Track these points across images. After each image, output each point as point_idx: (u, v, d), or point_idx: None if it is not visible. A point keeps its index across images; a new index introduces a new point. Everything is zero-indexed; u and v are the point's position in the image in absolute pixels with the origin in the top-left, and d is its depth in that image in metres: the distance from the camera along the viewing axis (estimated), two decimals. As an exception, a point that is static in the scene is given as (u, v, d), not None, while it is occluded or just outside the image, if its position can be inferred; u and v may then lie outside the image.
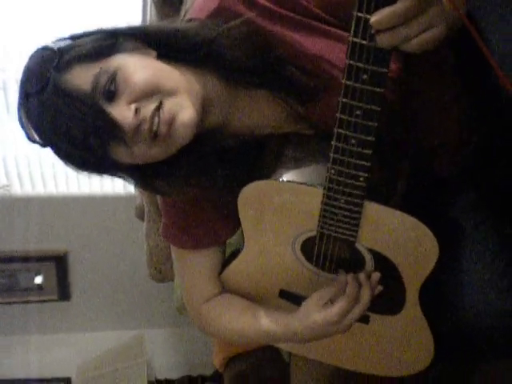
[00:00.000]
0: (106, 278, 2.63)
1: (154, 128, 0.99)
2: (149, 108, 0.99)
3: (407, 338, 1.26)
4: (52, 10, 2.06)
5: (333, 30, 1.05)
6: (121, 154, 1.01)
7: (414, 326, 1.23)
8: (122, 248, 2.53)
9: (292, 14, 1.05)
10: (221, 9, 1.06)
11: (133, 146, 1.00)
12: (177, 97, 1.01)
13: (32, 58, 1.05)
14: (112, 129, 0.98)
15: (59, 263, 2.55)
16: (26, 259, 2.54)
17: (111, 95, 0.99)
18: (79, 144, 0.99)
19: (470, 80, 1.15)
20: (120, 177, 1.13)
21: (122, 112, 0.98)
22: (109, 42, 1.03)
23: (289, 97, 1.10)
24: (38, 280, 2.59)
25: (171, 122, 1.00)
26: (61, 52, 1.02)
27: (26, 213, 2.40)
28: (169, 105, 1.00)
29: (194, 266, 1.30)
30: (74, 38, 1.05)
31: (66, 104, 0.97)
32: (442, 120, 1.18)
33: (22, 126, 1.05)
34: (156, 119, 0.99)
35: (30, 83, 1.01)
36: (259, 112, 1.13)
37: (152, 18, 1.85)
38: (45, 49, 1.04)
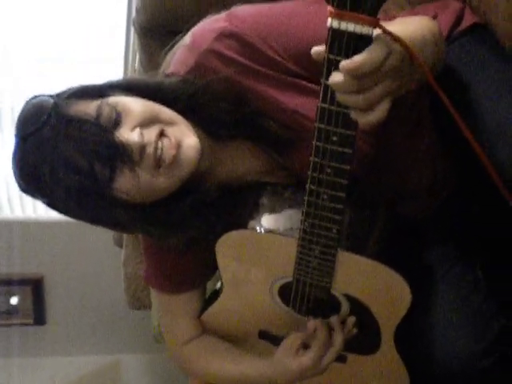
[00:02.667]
0: (82, 303, 2.61)
1: (159, 152, 1.00)
2: (152, 133, 1.00)
3: (384, 377, 1.28)
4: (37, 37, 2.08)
5: (308, 85, 1.07)
6: (125, 182, 1.00)
7: (390, 365, 1.25)
8: (100, 274, 2.51)
9: (268, 71, 1.07)
10: (198, 65, 1.08)
11: (139, 173, 0.99)
12: (177, 126, 1.03)
13: (27, 104, 1.05)
14: (119, 151, 0.97)
15: (35, 287, 2.53)
16: (1, 282, 2.51)
17: (114, 123, 0.99)
18: (84, 171, 0.98)
19: (444, 132, 1.18)
20: (110, 220, 1.11)
21: (128, 134, 0.98)
22: (101, 88, 1.06)
23: (266, 148, 1.13)
24: (14, 303, 2.57)
25: (177, 146, 1.00)
26: (57, 94, 1.04)
27: (4, 236, 2.37)
28: (172, 132, 1.01)
29: (175, 309, 1.32)
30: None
31: (71, 129, 0.98)
32: (416, 169, 1.21)
33: (17, 176, 1.05)
34: (160, 144, 1.00)
35: (28, 123, 1.00)
36: (240, 161, 1.16)
37: (134, 48, 1.87)
38: (38, 96, 1.05)
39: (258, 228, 1.12)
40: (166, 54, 1.21)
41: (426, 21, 1.07)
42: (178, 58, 1.12)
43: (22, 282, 2.52)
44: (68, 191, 1.00)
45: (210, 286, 1.39)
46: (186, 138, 1.02)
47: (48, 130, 0.98)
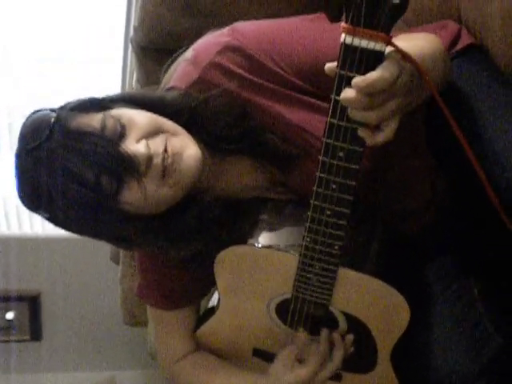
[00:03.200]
0: (78, 320, 2.61)
1: (165, 162, 0.99)
2: (158, 143, 0.99)
3: (379, 396, 1.28)
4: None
5: (312, 100, 1.07)
6: (132, 194, 0.99)
7: (386, 384, 1.25)
8: (96, 291, 2.51)
9: (272, 85, 1.07)
10: (201, 79, 1.07)
11: (145, 184, 0.99)
12: (179, 137, 1.03)
13: (28, 119, 1.04)
14: (126, 163, 0.97)
15: (32, 303, 2.53)
16: (-2, 298, 2.54)
17: (119, 135, 0.98)
18: (90, 184, 0.96)
19: (441, 151, 1.19)
20: (115, 233, 1.10)
21: (134, 146, 0.98)
22: (104, 101, 1.05)
23: (268, 163, 1.13)
24: (10, 319, 2.56)
25: (180, 156, 1.00)
26: (58, 108, 1.03)
27: (0, 252, 2.37)
28: (175, 142, 1.01)
29: (169, 325, 1.30)
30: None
31: (76, 142, 0.97)
32: (415, 186, 1.22)
33: (21, 192, 1.04)
34: (166, 155, 0.99)
35: (31, 137, 0.99)
36: (240, 177, 1.15)
37: (132, 66, 1.87)
38: (39, 110, 1.04)
39: (257, 244, 1.12)
40: (165, 70, 1.21)
41: (432, 37, 1.08)
42: (179, 73, 1.12)
43: (19, 297, 2.53)
44: (73, 204, 0.99)
45: (203, 304, 1.38)
46: (187, 148, 1.02)
47: (52, 144, 0.97)
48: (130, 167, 0.97)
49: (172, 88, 1.12)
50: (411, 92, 0.85)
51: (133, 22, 1.68)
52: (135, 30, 1.64)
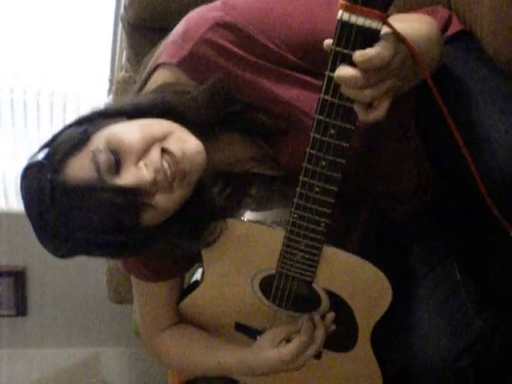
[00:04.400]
0: (64, 296, 2.61)
1: (168, 173, 0.99)
2: (155, 158, 0.99)
3: (357, 375, 1.29)
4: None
5: (305, 77, 1.07)
6: (150, 215, 1.00)
7: (364, 364, 1.27)
8: (82, 267, 2.51)
9: (264, 62, 1.06)
10: (192, 55, 1.06)
11: (157, 201, 1.00)
12: (173, 136, 1.02)
13: (23, 179, 1.03)
14: (135, 195, 0.97)
15: (17, 279, 2.54)
16: (-16, 274, 2.53)
17: (117, 167, 0.98)
18: (112, 229, 0.98)
19: (429, 135, 1.21)
20: (149, 248, 1.12)
21: (135, 174, 0.98)
22: (83, 129, 1.03)
23: (257, 138, 1.13)
24: None
25: (183, 156, 1.00)
26: (48, 159, 1.01)
27: (-14, 228, 2.38)
28: (171, 145, 1.00)
29: (153, 296, 1.31)
30: (48, 144, 1.04)
31: (80, 200, 0.96)
32: (400, 171, 1.23)
33: (48, 246, 1.04)
34: (165, 164, 0.99)
35: (36, 203, 0.99)
36: (230, 151, 1.15)
37: (122, 44, 1.87)
38: (30, 166, 1.02)
39: (244, 218, 1.13)
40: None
41: (429, 19, 1.09)
42: (169, 48, 1.10)
43: (5, 273, 2.53)
44: (105, 247, 1.02)
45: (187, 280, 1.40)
46: (186, 144, 1.02)
47: (59, 206, 0.96)
48: (140, 196, 0.98)
49: (162, 64, 1.10)
50: (405, 73, 0.86)
51: (123, 1, 1.68)
52: (125, 9, 1.64)
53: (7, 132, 2.18)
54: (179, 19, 1.14)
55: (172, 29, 1.14)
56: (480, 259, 1.25)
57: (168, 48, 1.10)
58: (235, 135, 1.13)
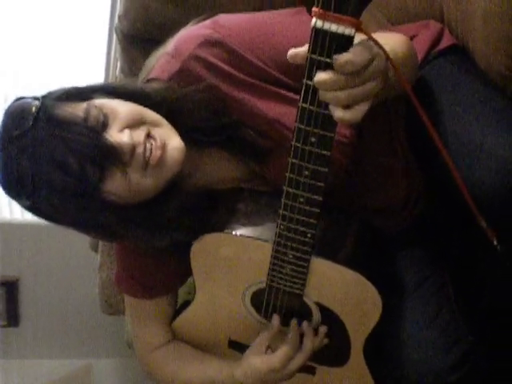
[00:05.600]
0: (56, 307, 2.61)
1: (147, 153, 1.00)
2: (140, 134, 1.00)
3: (352, 389, 1.30)
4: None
5: (291, 94, 1.08)
6: (115, 183, 1.00)
7: (359, 378, 1.26)
8: (75, 278, 2.51)
9: (251, 79, 1.08)
10: (182, 71, 1.08)
11: (129, 173, 1.00)
12: (162, 128, 1.03)
13: (11, 106, 1.04)
14: (109, 152, 0.97)
15: (10, 289, 2.54)
16: (-24, 284, 2.52)
17: (102, 125, 0.99)
18: (75, 172, 0.97)
19: (418, 150, 1.21)
20: (97, 223, 1.10)
21: (117, 136, 0.99)
22: (87, 90, 1.06)
23: (244, 155, 1.14)
24: None
25: (163, 147, 1.01)
26: (42, 96, 1.03)
27: (-21, 238, 2.39)
28: (157, 133, 1.02)
29: (146, 314, 1.31)
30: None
31: (61, 130, 0.97)
32: (390, 186, 1.23)
33: (3, 180, 1.03)
34: (148, 145, 1.00)
35: (15, 126, 0.99)
36: (217, 168, 1.16)
37: (116, 55, 1.89)
38: (23, 97, 1.04)
39: (233, 231, 1.14)
40: None
41: (403, 38, 1.11)
42: (161, 64, 1.12)
43: None
44: (56, 193, 0.99)
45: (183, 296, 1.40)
46: (170, 139, 1.03)
47: (37, 132, 0.97)
48: (114, 156, 0.98)
49: (153, 79, 1.13)
50: (384, 79, 0.86)
51: (118, 11, 1.70)
52: (120, 19, 1.65)
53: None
54: (173, 31, 1.17)
55: (165, 40, 1.16)
56: (470, 272, 1.24)
57: (159, 64, 1.13)
58: (223, 152, 1.14)
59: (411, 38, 1.34)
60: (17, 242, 2.46)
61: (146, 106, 1.06)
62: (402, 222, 1.28)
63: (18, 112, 1.02)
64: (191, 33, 1.12)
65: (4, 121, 1.03)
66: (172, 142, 1.03)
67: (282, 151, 1.07)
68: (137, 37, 1.66)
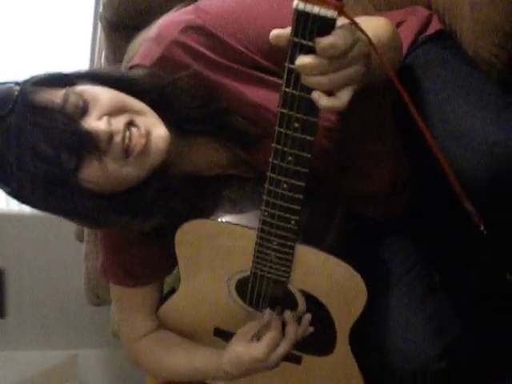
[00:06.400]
0: (42, 298, 2.60)
1: (126, 141, 0.98)
2: (120, 122, 0.99)
3: (338, 378, 1.29)
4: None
5: (274, 79, 1.08)
6: (92, 171, 0.99)
7: (345, 367, 1.26)
8: (60, 269, 2.51)
9: (235, 65, 1.08)
10: (164, 58, 1.08)
11: (106, 162, 0.99)
12: (146, 116, 1.02)
13: None
14: (85, 139, 0.96)
15: None
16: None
17: (81, 111, 0.98)
18: (50, 160, 0.96)
19: (407, 136, 1.21)
20: (76, 210, 1.09)
21: (95, 123, 0.97)
22: (69, 76, 1.05)
23: (232, 143, 1.13)
24: None
25: (147, 135, 1.00)
26: (23, 81, 1.02)
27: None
28: (141, 121, 1.00)
29: (131, 302, 1.31)
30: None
31: (37, 117, 0.96)
32: (376, 172, 1.23)
33: None
34: (127, 133, 0.99)
35: None
36: (204, 155, 1.16)
37: (101, 43, 1.88)
38: (4, 82, 1.03)
39: (218, 218, 1.13)
40: None
41: (384, 20, 1.11)
42: (143, 50, 1.12)
43: None
44: (34, 180, 0.99)
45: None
46: (155, 127, 1.02)
47: (14, 118, 0.97)
48: (90, 144, 0.97)
49: (136, 65, 1.12)
50: (367, 64, 0.86)
51: None
52: (105, 7, 1.65)
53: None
54: (157, 17, 1.15)
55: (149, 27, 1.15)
56: (457, 259, 1.24)
57: (141, 50, 1.12)
58: (210, 140, 1.14)
59: (399, 24, 1.34)
60: (1, 232, 2.44)
61: (130, 93, 1.05)
62: (389, 210, 1.28)
63: None
64: (173, 18, 1.11)
65: None
66: (156, 130, 1.02)
67: (268, 137, 1.07)
68: (121, 24, 1.65)
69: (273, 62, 1.09)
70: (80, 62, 2.08)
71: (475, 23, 1.35)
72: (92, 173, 0.99)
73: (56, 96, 0.99)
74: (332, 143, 1.11)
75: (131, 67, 1.13)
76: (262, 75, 1.09)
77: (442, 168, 0.98)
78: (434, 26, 1.34)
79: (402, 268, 1.25)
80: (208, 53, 1.08)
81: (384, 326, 1.21)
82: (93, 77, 1.07)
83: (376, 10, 1.47)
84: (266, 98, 1.09)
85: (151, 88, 1.07)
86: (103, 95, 1.01)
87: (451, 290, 1.23)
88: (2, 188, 1.05)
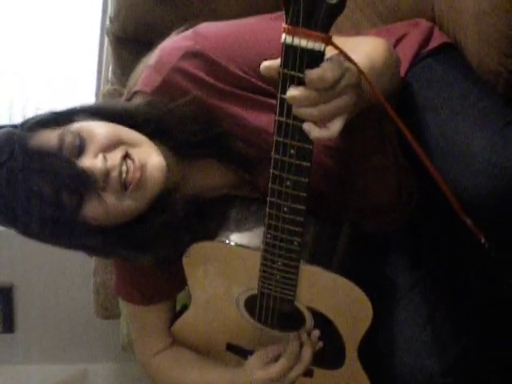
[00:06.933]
0: (51, 312, 2.62)
1: (123, 176, 1.01)
2: (116, 156, 1.01)
3: (351, 391, 1.31)
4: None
5: (273, 102, 1.11)
6: (94, 208, 1.01)
7: (356, 380, 1.28)
8: (69, 283, 2.52)
9: (235, 89, 1.09)
10: (165, 84, 1.09)
11: (105, 198, 1.01)
12: (141, 147, 1.04)
13: None
14: (83, 179, 0.98)
15: (4, 296, 2.55)
16: (-30, 290, 2.53)
17: (78, 150, 1.00)
18: (52, 202, 0.99)
19: (409, 150, 1.21)
20: (84, 245, 1.13)
21: (90, 161, 1.00)
22: (66, 114, 1.07)
23: (235, 166, 1.15)
24: None
25: (143, 168, 1.01)
26: (22, 124, 1.06)
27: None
28: (136, 154, 1.02)
29: (145, 320, 1.33)
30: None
31: (34, 162, 0.99)
32: (380, 185, 1.23)
33: None
34: (124, 167, 1.01)
35: None
36: (207, 177, 1.17)
37: (108, 58, 1.90)
38: (5, 126, 1.06)
39: (225, 240, 1.15)
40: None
41: (380, 42, 1.10)
42: (144, 77, 1.13)
43: None
44: (40, 221, 1.01)
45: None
46: (150, 158, 1.03)
47: (13, 164, 0.99)
48: (88, 183, 0.99)
49: (138, 92, 1.13)
50: (358, 93, 0.87)
51: (109, 13, 1.71)
52: (111, 21, 1.66)
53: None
54: (164, 32, 1.18)
55: (157, 43, 1.17)
56: (461, 272, 1.24)
57: (143, 76, 1.14)
58: (213, 161, 1.15)
59: (402, 37, 1.34)
60: (10, 248, 2.46)
61: (129, 125, 1.07)
62: (393, 224, 1.28)
63: None
64: (173, 45, 1.13)
65: None
66: (151, 160, 1.04)
67: (270, 160, 1.08)
68: (128, 38, 1.67)
69: (273, 85, 1.10)
70: (87, 77, 2.10)
71: (480, 33, 1.34)
72: (93, 209, 1.02)
73: (51, 137, 1.02)
74: (334, 161, 1.12)
75: (134, 93, 1.15)
76: (262, 98, 1.11)
77: (441, 188, 0.98)
78: (437, 39, 1.33)
79: (407, 284, 1.26)
80: (207, 78, 1.09)
81: (391, 341, 1.22)
82: (91, 111, 1.09)
83: (380, 19, 1.47)
84: (267, 121, 1.09)
85: (150, 117, 1.09)
86: (99, 130, 1.03)
87: (455, 302, 1.23)
88: (13, 229, 1.07)
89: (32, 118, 1.07)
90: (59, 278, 2.55)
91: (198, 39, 1.10)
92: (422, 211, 1.26)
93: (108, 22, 1.69)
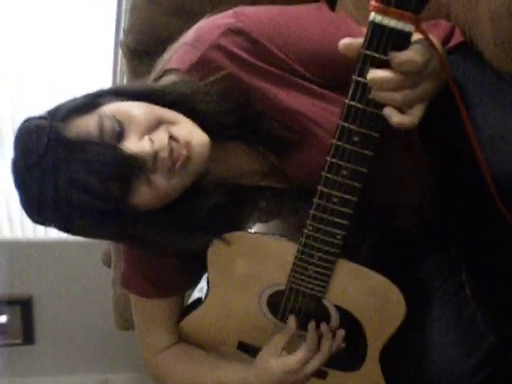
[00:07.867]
0: (71, 323, 2.61)
1: (175, 154, 0.97)
2: (161, 137, 0.97)
3: (364, 396, 1.28)
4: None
5: (314, 87, 1.07)
6: (143, 192, 0.98)
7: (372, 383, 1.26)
8: (88, 294, 2.52)
9: (274, 70, 1.06)
10: (202, 61, 1.05)
11: (155, 180, 0.97)
12: (181, 125, 1.00)
13: (22, 130, 1.00)
14: (132, 164, 0.95)
15: (24, 307, 2.54)
16: (-10, 303, 2.50)
17: (120, 135, 0.96)
18: (100, 193, 0.95)
19: (435, 145, 1.21)
20: (132, 235, 1.08)
21: (137, 144, 0.95)
22: (95, 97, 1.03)
23: (264, 148, 1.11)
24: (3, 323, 2.57)
25: (187, 144, 0.98)
26: (51, 115, 1.00)
27: (-8, 257, 2.37)
28: (178, 132, 0.98)
29: (152, 315, 1.28)
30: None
31: (76, 153, 0.94)
32: (407, 183, 1.22)
33: (27, 207, 1.01)
34: (174, 145, 0.97)
35: (28, 153, 0.96)
36: (236, 161, 1.14)
37: (122, 69, 1.85)
38: (31, 118, 1.01)
39: (254, 230, 1.12)
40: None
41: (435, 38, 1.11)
42: (180, 54, 1.09)
43: (11, 301, 2.54)
44: (86, 214, 0.97)
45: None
46: (193, 135, 1.00)
47: (52, 157, 0.94)
48: (137, 168, 0.95)
49: (172, 70, 1.09)
50: (440, 79, 0.86)
51: (123, 25, 1.67)
52: (125, 34, 1.63)
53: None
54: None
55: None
56: (489, 270, 1.24)
57: (178, 54, 1.10)
58: (243, 146, 1.12)
59: None
60: (29, 259, 2.47)
61: (159, 104, 1.03)
62: (418, 222, 1.28)
63: (29, 137, 0.98)
64: (213, 22, 1.09)
65: (16, 147, 1.00)
66: (195, 137, 1.00)
67: (304, 146, 1.06)
68: (142, 51, 1.64)
69: (311, 72, 1.08)
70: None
71: (497, 37, 1.35)
72: (143, 193, 0.98)
73: (89, 124, 0.97)
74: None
75: (165, 71, 1.10)
76: (301, 81, 1.08)
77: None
78: (457, 38, 1.34)
79: (434, 283, 1.24)
80: (246, 56, 1.06)
81: (418, 341, 1.20)
82: (120, 93, 1.05)
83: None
84: (305, 104, 1.07)
85: (181, 96, 1.04)
86: (136, 112, 0.99)
87: (483, 301, 1.23)
88: (53, 226, 1.03)
89: (62, 106, 1.01)
90: (78, 289, 2.56)
91: (239, 17, 1.06)
92: (452, 208, 1.26)
93: (122, 35, 1.65)
